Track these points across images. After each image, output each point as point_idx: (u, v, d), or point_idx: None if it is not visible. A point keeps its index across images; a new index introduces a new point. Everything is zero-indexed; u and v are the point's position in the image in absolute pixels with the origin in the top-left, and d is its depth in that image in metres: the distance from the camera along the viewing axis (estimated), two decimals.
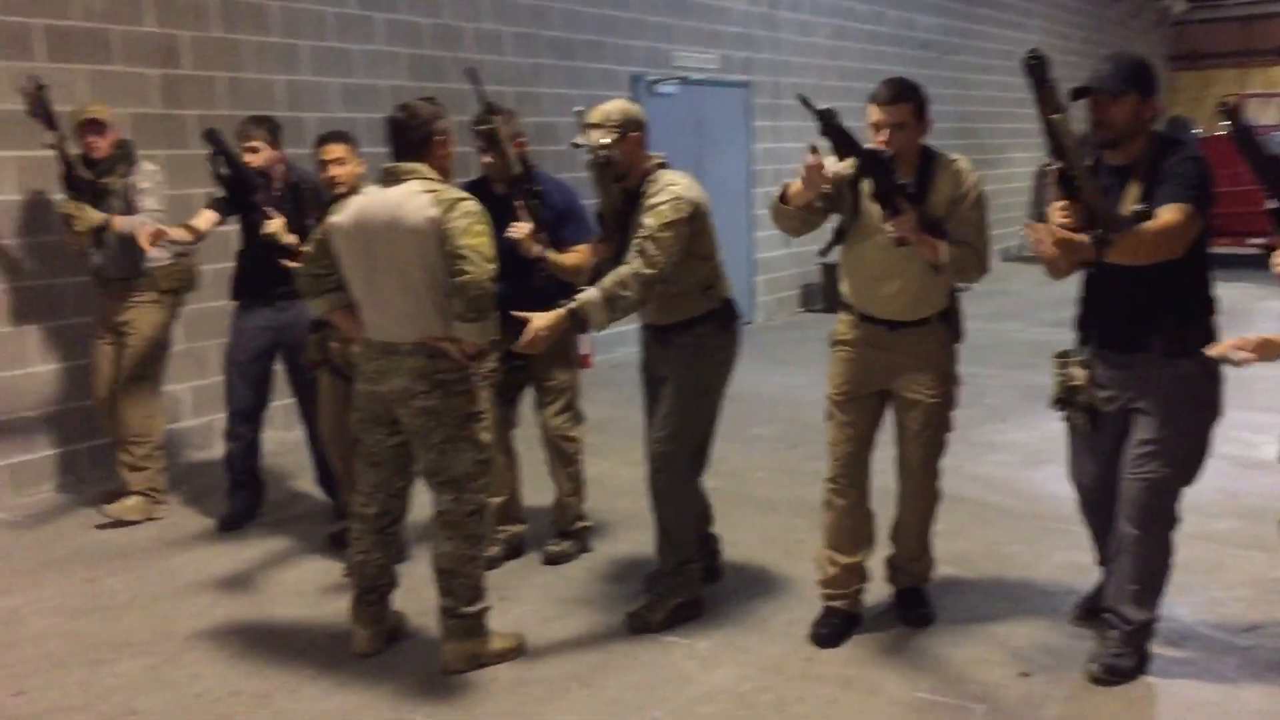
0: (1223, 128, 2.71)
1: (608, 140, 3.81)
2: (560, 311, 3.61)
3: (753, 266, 10.58)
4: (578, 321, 3.64)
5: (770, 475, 5.83)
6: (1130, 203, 3.21)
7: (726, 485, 5.50)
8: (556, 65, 8.64)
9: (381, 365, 3.59)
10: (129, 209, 5.02)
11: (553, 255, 4.22)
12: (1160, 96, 3.30)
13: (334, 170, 4.51)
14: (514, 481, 4.66)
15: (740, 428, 6.66)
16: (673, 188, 3.79)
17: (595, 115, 3.86)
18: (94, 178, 5.03)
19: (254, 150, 4.90)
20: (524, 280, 4.16)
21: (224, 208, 5.05)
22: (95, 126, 5.03)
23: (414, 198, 3.47)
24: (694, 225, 3.79)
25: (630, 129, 3.85)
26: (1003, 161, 15.33)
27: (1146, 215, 3.02)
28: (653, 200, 3.78)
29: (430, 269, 3.48)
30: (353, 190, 4.53)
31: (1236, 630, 3.83)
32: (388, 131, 3.59)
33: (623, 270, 3.66)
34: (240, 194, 4.92)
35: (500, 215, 4.09)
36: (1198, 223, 3.13)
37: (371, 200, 3.54)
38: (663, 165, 3.96)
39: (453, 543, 3.63)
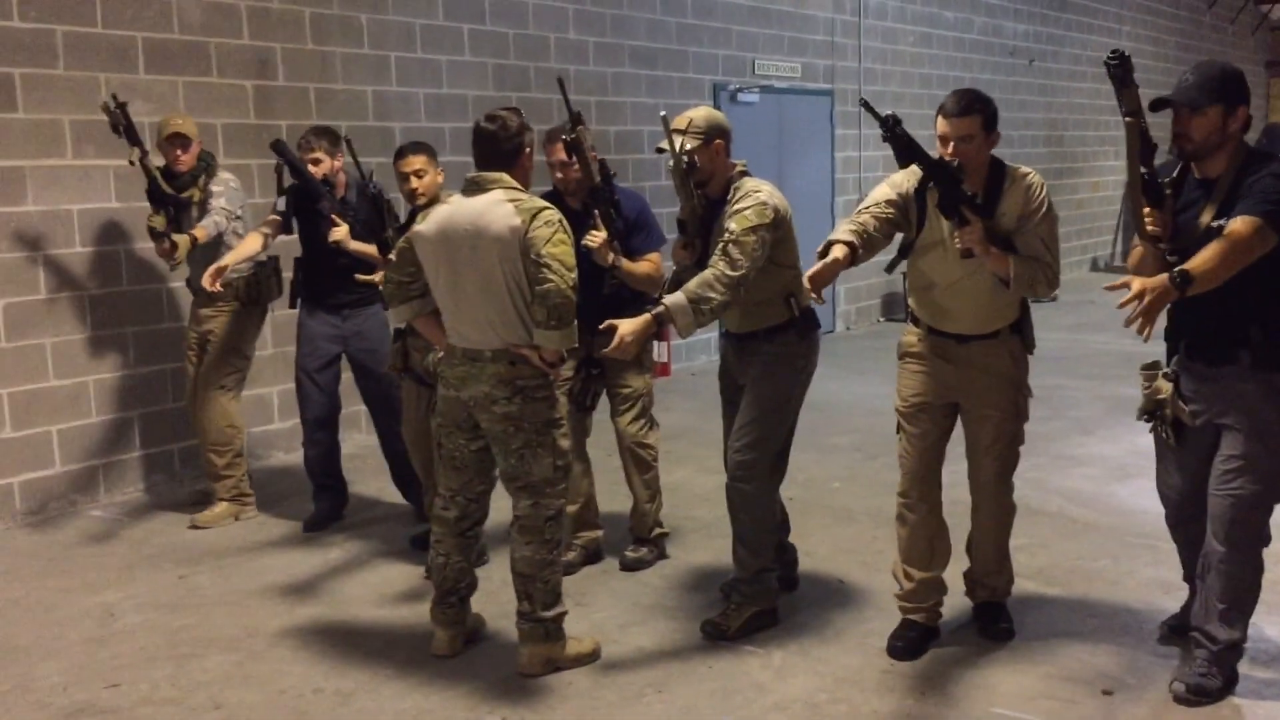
0: None
1: (691, 146, 3.83)
2: (646, 316, 3.63)
3: None
4: (660, 326, 3.68)
5: (848, 485, 5.79)
6: (1208, 217, 3.15)
7: (804, 494, 5.50)
8: (639, 74, 8.69)
9: (464, 371, 3.65)
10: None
11: (625, 264, 4.25)
12: (1248, 107, 3.21)
13: (414, 182, 4.58)
14: (590, 488, 4.70)
15: (819, 437, 6.65)
16: (757, 194, 3.81)
17: (680, 121, 3.89)
18: (176, 191, 5.17)
19: (316, 161, 4.99)
20: (596, 289, 4.20)
21: (286, 221, 5.12)
22: (179, 140, 5.17)
23: (498, 207, 3.53)
24: (777, 232, 3.80)
25: (714, 136, 3.87)
26: (1091, 170, 15.04)
27: (1217, 232, 2.97)
28: (737, 206, 3.79)
29: (513, 277, 3.53)
30: (434, 200, 4.64)
31: None
32: (475, 141, 3.65)
33: (707, 274, 3.68)
34: (304, 202, 5.03)
35: (572, 227, 4.15)
36: (1268, 238, 3.04)
37: (456, 209, 3.61)
38: (745, 173, 3.97)
39: (531, 547, 3.67)
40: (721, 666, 3.76)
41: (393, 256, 3.86)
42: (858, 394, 7.88)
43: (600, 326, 3.66)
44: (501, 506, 3.90)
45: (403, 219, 4.77)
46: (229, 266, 5.01)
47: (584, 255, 4.15)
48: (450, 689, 3.64)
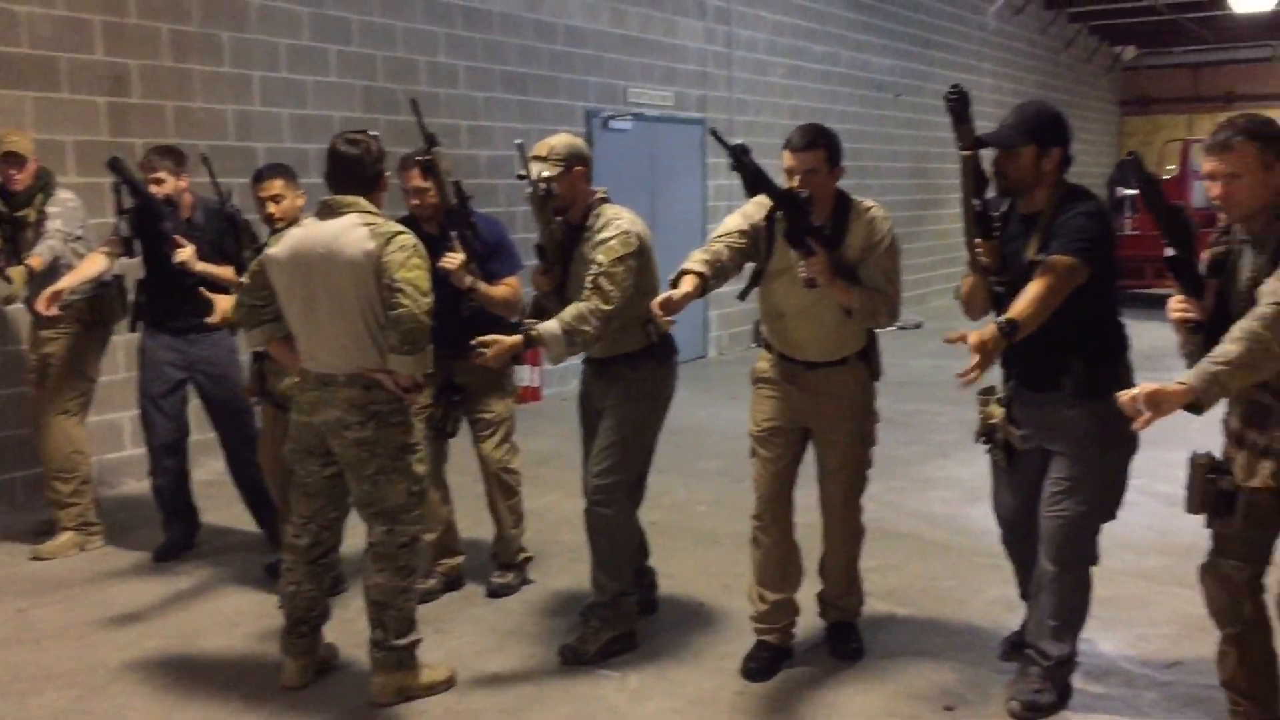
0: (1167, 172, 2.82)
1: (551, 173, 3.86)
2: (518, 336, 3.66)
3: (706, 301, 10.65)
4: (529, 347, 3.70)
5: (714, 509, 5.86)
6: (1031, 252, 3.30)
7: (669, 518, 5.54)
8: (510, 99, 8.71)
9: (316, 396, 3.60)
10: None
11: (483, 287, 4.25)
12: (1064, 147, 3.36)
13: (272, 207, 4.50)
14: (450, 514, 4.66)
15: (687, 461, 6.72)
16: (618, 222, 3.86)
17: (540, 148, 3.92)
18: (10, 211, 4.99)
19: (159, 181, 4.84)
20: (454, 312, 4.19)
21: (128, 242, 4.92)
22: (13, 159, 4.99)
23: (352, 230, 3.49)
24: (640, 260, 3.85)
25: (574, 163, 3.91)
26: (955, 201, 15.45)
27: (1040, 265, 3.12)
28: (601, 236, 3.84)
29: (367, 301, 3.50)
30: (293, 224, 4.57)
31: (1159, 666, 3.89)
32: (334, 163, 3.61)
33: (581, 306, 3.72)
34: (146, 223, 4.88)
35: (430, 252, 4.13)
36: (1079, 274, 3.19)
37: (309, 232, 3.56)
38: (605, 200, 4.02)
39: (385, 574, 3.63)
40: (578, 691, 3.76)
41: (245, 280, 3.80)
42: (727, 419, 7.98)
43: (472, 343, 3.67)
44: (359, 532, 3.84)
45: (263, 240, 4.68)
46: (66, 290, 4.84)
47: (441, 279, 4.15)
48: None
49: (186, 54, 6.52)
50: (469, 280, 4.20)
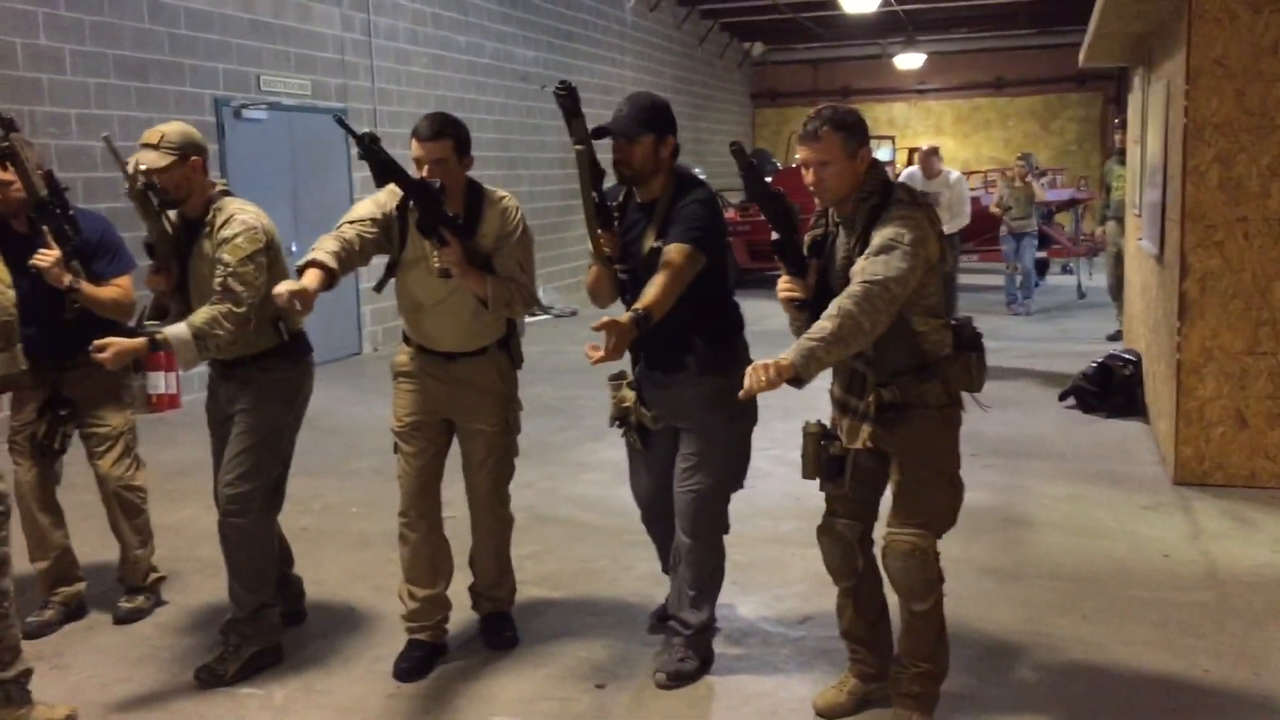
0: (793, 161, 2.97)
1: (165, 163, 3.60)
2: (141, 339, 3.40)
3: (359, 296, 10.37)
4: (153, 351, 3.45)
5: (367, 510, 5.70)
6: (650, 240, 3.43)
7: (319, 522, 5.35)
8: (127, 86, 8.08)
9: None
10: None
11: (87, 287, 3.91)
12: (675, 136, 3.51)
13: None
14: (63, 539, 4.26)
15: (340, 462, 6.52)
16: (242, 217, 3.66)
17: (151, 136, 3.66)
18: None
19: None
20: (56, 317, 3.83)
21: None
22: None
23: None
24: (268, 255, 3.67)
25: (191, 153, 3.67)
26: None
27: (659, 253, 3.25)
28: (225, 233, 3.62)
29: None
30: None
31: (792, 624, 4.15)
32: None
33: (212, 309, 3.52)
34: None
35: (22, 253, 3.76)
36: (698, 261, 3.36)
37: None
38: (226, 192, 3.80)
39: None
40: (218, 714, 3.55)
41: None
42: (381, 416, 7.78)
43: (91, 346, 3.39)
44: None
45: None
46: None
47: (38, 280, 3.79)
48: None
49: None
50: (68, 278, 3.84)
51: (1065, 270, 15.69)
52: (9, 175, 3.85)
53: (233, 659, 3.76)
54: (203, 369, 3.98)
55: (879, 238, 2.98)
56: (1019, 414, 7.53)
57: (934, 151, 10.06)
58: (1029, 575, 4.62)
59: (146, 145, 3.65)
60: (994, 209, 12.52)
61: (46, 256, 3.80)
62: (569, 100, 3.19)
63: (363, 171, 10.53)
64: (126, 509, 4.27)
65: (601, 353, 3.09)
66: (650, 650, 3.88)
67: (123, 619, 4.29)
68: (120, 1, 8.01)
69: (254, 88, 9.27)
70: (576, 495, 5.91)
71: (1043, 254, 12.32)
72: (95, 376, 3.95)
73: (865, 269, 2.93)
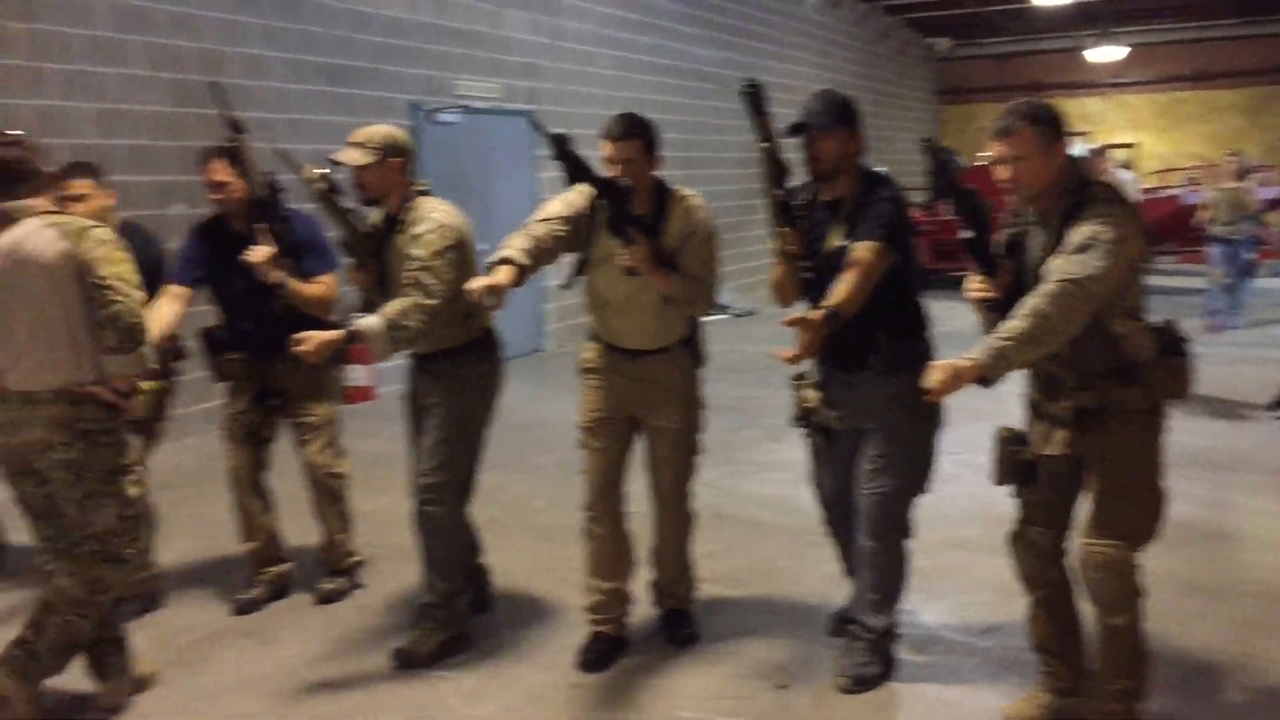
0: (980, 159, 2.91)
1: (364, 162, 3.78)
2: (339, 332, 3.57)
3: (542, 294, 10.60)
4: (351, 343, 3.60)
5: (550, 504, 5.83)
6: (836, 238, 3.39)
7: (504, 514, 5.50)
8: (329, 92, 8.47)
9: (17, 415, 3.33)
10: None
11: (295, 284, 4.12)
12: (863, 132, 3.48)
13: (73, 208, 4.26)
14: (271, 523, 4.51)
15: (523, 456, 6.68)
16: (435, 215, 3.80)
17: (358, 135, 3.84)
18: None
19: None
20: (266, 313, 4.05)
21: None
22: None
23: (38, 234, 3.26)
24: (459, 253, 3.79)
25: (390, 154, 3.83)
26: None
27: (844, 251, 3.22)
28: (417, 230, 3.77)
29: (69, 306, 3.27)
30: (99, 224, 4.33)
31: (977, 632, 4.05)
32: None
33: (405, 301, 3.64)
34: None
35: (239, 252, 3.99)
36: (887, 258, 3.31)
37: None
38: (425, 193, 3.94)
39: (72, 581, 3.39)
40: (412, 695, 3.69)
41: None
42: (564, 412, 7.95)
43: (291, 339, 3.56)
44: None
45: None
46: None
47: (249, 276, 4.02)
48: None
49: None
50: (277, 274, 4.06)
51: (1277, 275, 14.78)
52: (230, 178, 4.10)
53: (426, 643, 3.91)
54: (399, 363, 4.15)
55: (1077, 235, 2.88)
56: (1224, 425, 7.15)
57: (1100, 152, 9.63)
58: (1235, 593, 4.38)
59: (352, 143, 3.84)
60: (1201, 214, 11.60)
61: (259, 253, 4.03)
62: (756, 98, 3.19)
63: (549, 172, 10.76)
64: (329, 495, 4.49)
65: (793, 351, 3.08)
66: (830, 653, 3.85)
67: (324, 600, 4.51)
68: (323, 11, 8.41)
69: (447, 92, 9.58)
70: (757, 494, 5.90)
71: (1251, 255, 11.60)
72: (303, 369, 4.16)
73: (1061, 267, 2.84)
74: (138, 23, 7.03)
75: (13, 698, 3.33)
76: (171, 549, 4.95)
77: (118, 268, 3.27)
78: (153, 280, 4.17)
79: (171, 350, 4.30)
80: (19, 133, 3.43)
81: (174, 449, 5.48)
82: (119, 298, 3.23)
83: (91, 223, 3.34)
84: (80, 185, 4.30)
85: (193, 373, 4.61)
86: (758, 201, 14.99)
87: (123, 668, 3.63)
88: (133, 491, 3.48)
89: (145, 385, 4.10)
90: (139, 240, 4.37)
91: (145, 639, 4.13)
